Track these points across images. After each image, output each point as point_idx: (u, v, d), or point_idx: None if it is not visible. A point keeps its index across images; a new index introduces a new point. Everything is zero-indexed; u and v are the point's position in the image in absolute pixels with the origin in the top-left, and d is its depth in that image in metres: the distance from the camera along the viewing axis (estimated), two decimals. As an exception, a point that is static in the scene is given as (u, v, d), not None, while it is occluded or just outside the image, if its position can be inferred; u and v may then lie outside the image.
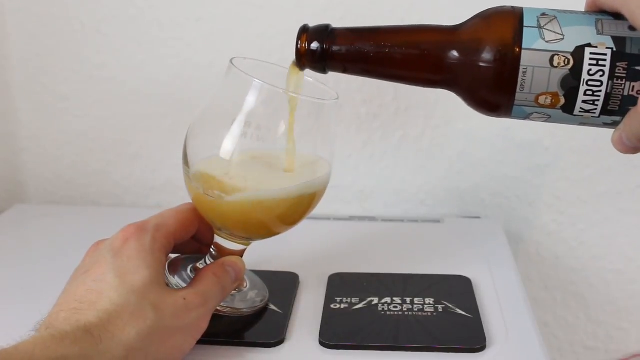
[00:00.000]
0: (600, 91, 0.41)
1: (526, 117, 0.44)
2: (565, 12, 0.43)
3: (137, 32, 0.76)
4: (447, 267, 0.62)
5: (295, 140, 0.50)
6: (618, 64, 0.40)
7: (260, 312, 0.54)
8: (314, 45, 0.47)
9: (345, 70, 0.48)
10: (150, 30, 0.76)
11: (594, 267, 0.79)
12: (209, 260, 0.53)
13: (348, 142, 0.77)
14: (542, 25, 0.41)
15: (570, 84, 0.41)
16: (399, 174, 0.78)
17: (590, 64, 0.41)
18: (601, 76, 0.41)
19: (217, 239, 0.53)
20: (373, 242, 0.70)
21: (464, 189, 0.78)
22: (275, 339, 0.51)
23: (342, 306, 0.55)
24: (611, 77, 0.41)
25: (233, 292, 0.54)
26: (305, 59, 0.48)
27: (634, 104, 0.40)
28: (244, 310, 0.54)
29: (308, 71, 0.50)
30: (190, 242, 0.54)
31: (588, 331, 0.81)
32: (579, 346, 0.81)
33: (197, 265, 0.53)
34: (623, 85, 0.41)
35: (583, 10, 0.44)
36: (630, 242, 0.78)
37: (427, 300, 0.55)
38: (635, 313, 0.80)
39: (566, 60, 0.41)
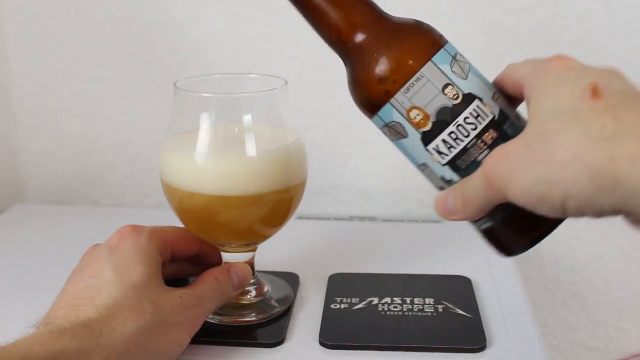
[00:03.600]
0: (462, 141, 0.42)
1: (384, 125, 0.44)
2: (478, 69, 0.44)
3: (138, 32, 0.76)
4: (447, 267, 0.62)
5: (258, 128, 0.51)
6: (491, 130, 0.42)
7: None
8: None
9: None
10: (150, 30, 0.76)
11: (594, 267, 0.79)
12: None
13: (348, 142, 0.77)
14: (456, 59, 0.43)
15: (445, 117, 0.42)
16: (399, 174, 0.78)
17: (470, 113, 0.42)
18: (472, 129, 0.42)
19: (224, 256, 0.54)
20: (373, 242, 0.70)
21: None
22: (275, 339, 0.51)
23: (342, 306, 0.55)
24: (479, 136, 0.42)
25: (259, 297, 0.54)
26: None
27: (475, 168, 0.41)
28: (275, 312, 0.54)
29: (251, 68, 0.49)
30: (198, 267, 0.54)
31: (588, 331, 0.81)
32: (579, 346, 0.81)
33: None
34: (482, 150, 0.42)
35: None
36: (630, 242, 0.77)
37: (427, 300, 0.55)
38: (635, 313, 0.80)
39: (456, 95, 0.42)
